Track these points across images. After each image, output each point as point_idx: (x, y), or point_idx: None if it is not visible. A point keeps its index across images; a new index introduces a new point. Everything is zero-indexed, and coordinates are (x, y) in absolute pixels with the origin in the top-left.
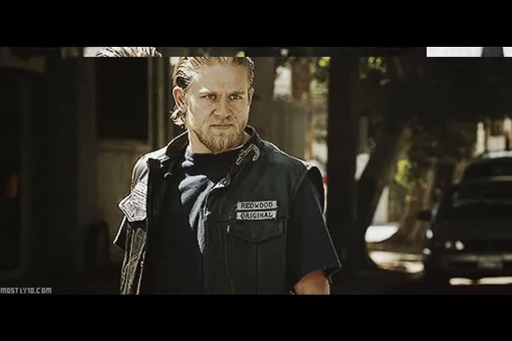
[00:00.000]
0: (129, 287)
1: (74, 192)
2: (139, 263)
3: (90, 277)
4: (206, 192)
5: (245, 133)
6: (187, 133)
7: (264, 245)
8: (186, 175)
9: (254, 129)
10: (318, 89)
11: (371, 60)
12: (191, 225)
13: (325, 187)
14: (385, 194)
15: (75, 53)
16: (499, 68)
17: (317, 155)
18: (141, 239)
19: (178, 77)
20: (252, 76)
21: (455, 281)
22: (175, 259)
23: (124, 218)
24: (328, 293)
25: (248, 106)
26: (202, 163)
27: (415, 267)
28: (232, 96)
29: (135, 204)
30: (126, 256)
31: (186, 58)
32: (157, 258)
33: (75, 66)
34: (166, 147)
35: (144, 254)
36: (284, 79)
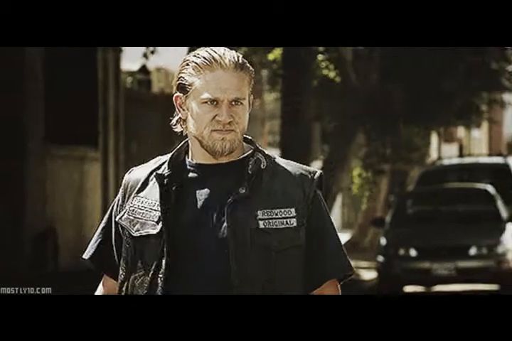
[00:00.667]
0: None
1: (21, 198)
2: (155, 276)
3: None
4: (221, 201)
5: (243, 143)
6: (182, 145)
7: (284, 253)
8: (193, 186)
9: (253, 138)
10: (270, 95)
11: (323, 65)
12: (208, 236)
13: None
14: (339, 201)
15: (24, 53)
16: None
17: None
18: (152, 252)
19: (179, 83)
20: (253, 83)
21: (409, 288)
22: (195, 270)
23: (101, 234)
24: None
25: (248, 113)
26: (208, 174)
27: (369, 274)
28: (233, 102)
29: (137, 219)
30: (124, 270)
31: (188, 64)
32: (175, 271)
33: (24, 66)
34: (167, 161)
35: (160, 267)
36: None
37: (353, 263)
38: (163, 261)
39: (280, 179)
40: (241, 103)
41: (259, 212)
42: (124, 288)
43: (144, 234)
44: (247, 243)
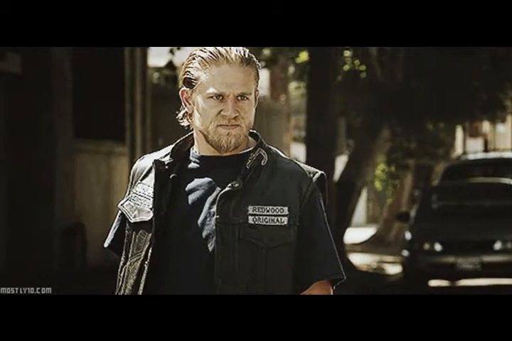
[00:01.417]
0: (129, 287)
1: (51, 193)
2: (143, 264)
3: (68, 278)
4: (215, 194)
5: (250, 137)
6: (190, 135)
7: (274, 251)
8: (192, 176)
9: (259, 134)
10: (296, 90)
11: (349, 60)
12: (199, 227)
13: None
14: (364, 195)
15: (53, 53)
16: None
17: (295, 156)
18: (144, 239)
19: (185, 78)
20: (259, 77)
21: (434, 283)
22: (182, 260)
23: (118, 220)
24: None
25: (254, 108)
26: (209, 165)
27: (394, 269)
28: (239, 97)
29: (136, 205)
30: (124, 257)
31: (194, 59)
32: (162, 259)
33: (52, 66)
34: (171, 149)
35: (148, 254)
36: (262, 80)
37: (377, 257)
38: (150, 250)
39: (278, 177)
40: (247, 98)
41: (250, 207)
42: (121, 274)
43: (139, 220)
44: (235, 237)
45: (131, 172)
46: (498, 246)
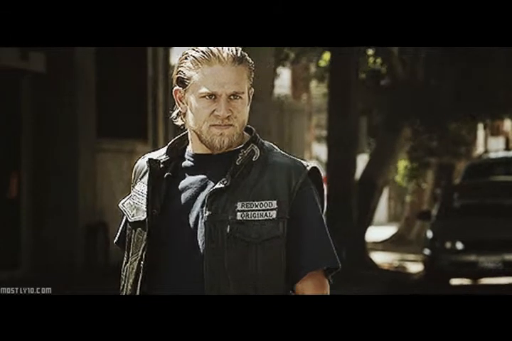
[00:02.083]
0: (129, 287)
1: (73, 192)
2: (139, 263)
3: (90, 278)
4: (206, 192)
5: (245, 133)
6: (187, 134)
7: (265, 245)
8: (186, 175)
9: (254, 129)
10: (318, 89)
11: (371, 59)
12: (191, 225)
13: (325, 187)
14: (385, 194)
15: (75, 53)
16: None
17: (317, 155)
18: (141, 238)
19: (178, 77)
20: (252, 76)
21: (455, 281)
22: (175, 259)
23: (124, 218)
24: (328, 293)
25: (248, 106)
26: (202, 163)
27: (415, 267)
28: (232, 97)
29: (135, 204)
30: (126, 256)
31: (186, 58)
32: (157, 258)
33: (75, 66)
34: (166, 147)
35: (144, 254)
36: (284, 79)
37: (399, 256)
38: (146, 249)
39: (269, 171)
40: (240, 97)
41: (238, 203)
42: (124, 273)
43: (137, 219)
44: (224, 234)
45: (133, 171)
46: None
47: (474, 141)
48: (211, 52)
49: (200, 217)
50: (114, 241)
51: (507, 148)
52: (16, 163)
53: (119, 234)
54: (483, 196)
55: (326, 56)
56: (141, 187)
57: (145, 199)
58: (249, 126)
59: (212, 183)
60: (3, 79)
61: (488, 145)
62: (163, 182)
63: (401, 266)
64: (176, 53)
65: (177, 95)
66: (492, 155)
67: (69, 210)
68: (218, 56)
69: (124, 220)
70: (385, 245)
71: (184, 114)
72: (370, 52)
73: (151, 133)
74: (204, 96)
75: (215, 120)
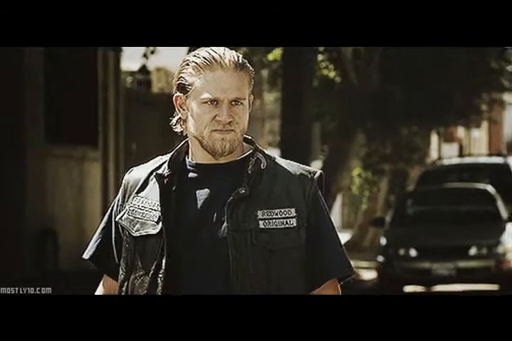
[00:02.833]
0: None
1: (22, 197)
2: (155, 277)
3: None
4: (220, 202)
5: (243, 142)
6: (182, 145)
7: (286, 253)
8: (193, 186)
9: (253, 138)
10: (270, 95)
11: (323, 65)
12: (209, 236)
13: None
14: (339, 200)
15: (25, 56)
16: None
17: None
18: (152, 252)
19: (179, 83)
20: (252, 83)
21: (409, 288)
22: (199, 272)
23: (102, 234)
24: None
25: (248, 113)
26: (207, 174)
27: (369, 274)
28: (233, 102)
29: (137, 218)
30: (124, 271)
31: (188, 64)
32: (175, 271)
33: (23, 69)
34: (167, 161)
35: (161, 267)
36: None
37: (353, 263)
38: (163, 262)
39: (280, 179)
40: (241, 103)
41: (259, 212)
42: (124, 288)
43: (144, 234)
44: (248, 243)
45: (123, 186)
46: (473, 251)
47: (428, 148)
48: (213, 58)
49: (217, 227)
50: (86, 256)
51: (460, 155)
52: None
53: (93, 250)
54: (437, 203)
55: (275, 53)
56: (142, 201)
57: (150, 213)
58: (247, 135)
59: (222, 193)
60: None
61: (442, 151)
62: (172, 196)
63: (355, 273)
64: (127, 58)
65: (177, 101)
66: (446, 161)
67: (17, 216)
68: (220, 62)
69: (100, 236)
70: None
71: (184, 121)
72: (322, 57)
73: (101, 139)
74: (206, 102)
75: (216, 125)
